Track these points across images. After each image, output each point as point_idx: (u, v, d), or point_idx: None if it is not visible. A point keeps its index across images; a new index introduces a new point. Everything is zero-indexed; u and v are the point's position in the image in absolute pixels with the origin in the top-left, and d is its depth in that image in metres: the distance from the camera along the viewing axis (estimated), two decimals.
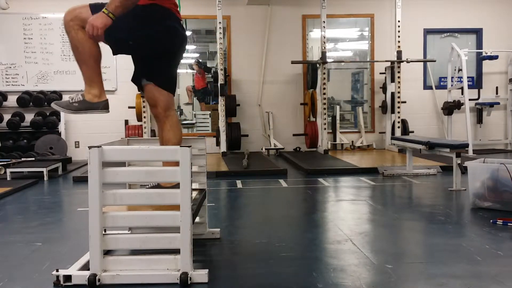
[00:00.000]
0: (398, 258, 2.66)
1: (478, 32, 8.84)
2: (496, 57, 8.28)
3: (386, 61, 8.23)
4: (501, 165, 3.67)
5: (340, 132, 8.59)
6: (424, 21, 8.70)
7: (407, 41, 8.21)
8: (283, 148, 8.19)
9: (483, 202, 3.76)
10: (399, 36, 7.91)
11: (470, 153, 6.80)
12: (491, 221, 3.33)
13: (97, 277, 2.20)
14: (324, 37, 7.80)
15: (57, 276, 2.25)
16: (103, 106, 2.58)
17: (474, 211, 3.74)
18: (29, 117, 7.79)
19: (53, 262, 2.60)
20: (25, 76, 8.05)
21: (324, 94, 7.85)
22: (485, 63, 8.68)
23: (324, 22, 7.74)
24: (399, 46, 7.91)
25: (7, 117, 7.72)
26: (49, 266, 2.54)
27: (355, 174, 5.82)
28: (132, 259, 2.38)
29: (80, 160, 7.61)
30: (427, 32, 8.78)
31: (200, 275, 2.26)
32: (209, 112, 10.38)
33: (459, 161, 4.57)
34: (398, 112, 7.92)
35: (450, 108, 7.97)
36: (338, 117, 8.56)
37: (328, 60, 8.09)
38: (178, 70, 13.11)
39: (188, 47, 13.72)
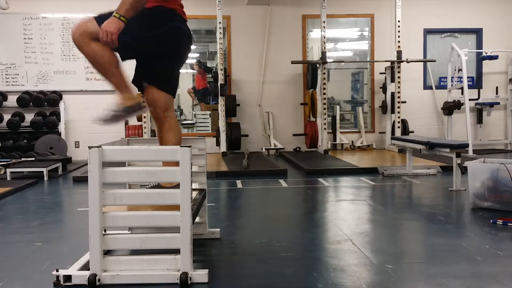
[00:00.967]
0: (398, 258, 2.66)
1: (478, 32, 8.84)
2: (496, 57, 8.28)
3: (386, 61, 8.23)
4: (501, 165, 3.67)
5: (340, 132, 8.59)
6: (424, 21, 8.70)
7: (407, 41, 8.22)
8: (283, 148, 8.20)
9: (483, 202, 3.76)
10: (399, 36, 7.91)
11: (470, 153, 6.80)
12: (491, 221, 3.33)
13: (97, 277, 2.20)
14: (324, 37, 7.80)
15: (57, 276, 2.25)
16: (139, 106, 2.59)
17: (474, 211, 3.74)
18: (29, 117, 7.79)
19: (53, 262, 2.60)
20: (25, 76, 8.04)
21: (324, 94, 7.85)
22: (485, 63, 8.68)
23: (324, 22, 7.74)
24: (399, 46, 7.91)
25: (7, 117, 7.72)
26: (49, 266, 2.54)
27: (355, 174, 5.82)
28: (132, 259, 2.38)
29: (80, 160, 7.61)
30: (427, 32, 8.78)
31: (200, 275, 2.26)
32: (209, 112, 10.38)
33: (459, 161, 4.57)
34: (398, 112, 7.92)
35: (450, 108, 7.98)
36: (338, 117, 8.56)
37: (328, 60, 8.09)
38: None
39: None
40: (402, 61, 7.89)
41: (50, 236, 3.25)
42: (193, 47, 13.35)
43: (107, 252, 2.46)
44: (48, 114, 7.86)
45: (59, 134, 7.70)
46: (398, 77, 7.93)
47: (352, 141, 8.59)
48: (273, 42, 8.50)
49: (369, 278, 2.33)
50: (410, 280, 2.33)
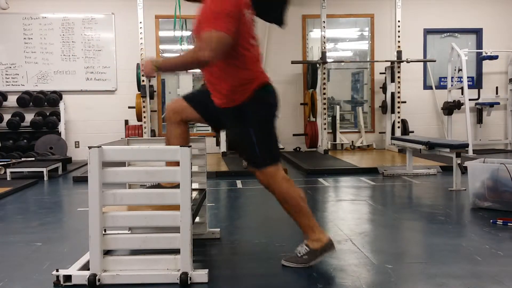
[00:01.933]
0: (398, 258, 2.66)
1: (478, 32, 8.84)
2: (496, 57, 8.27)
3: (386, 61, 8.23)
4: (501, 165, 3.67)
5: (340, 132, 8.59)
6: (424, 21, 8.70)
7: (407, 41, 8.22)
8: (283, 148, 8.19)
9: (483, 202, 3.76)
10: (399, 36, 7.91)
11: (470, 153, 6.80)
12: (491, 221, 3.33)
13: (97, 277, 2.20)
14: (324, 37, 7.80)
15: (57, 276, 2.25)
16: (330, 246, 2.49)
17: (474, 211, 3.74)
18: (29, 117, 7.80)
19: (53, 262, 2.60)
20: (25, 76, 8.05)
21: (324, 94, 7.85)
22: (485, 63, 8.68)
23: (324, 22, 7.74)
24: (399, 46, 7.91)
25: (7, 117, 7.72)
26: (49, 266, 2.54)
27: (355, 174, 5.82)
28: (132, 259, 2.38)
29: (80, 160, 7.61)
30: (427, 32, 8.78)
31: (200, 275, 2.26)
32: None
33: (459, 161, 4.57)
34: (398, 112, 7.92)
35: (450, 108, 7.98)
36: (338, 117, 8.56)
37: (328, 60, 8.09)
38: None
39: (188, 47, 13.74)
40: (402, 61, 7.89)
41: (50, 236, 3.25)
42: (193, 47, 13.38)
43: (107, 252, 2.47)
44: (48, 114, 7.86)
45: (59, 134, 7.70)
46: (398, 77, 7.93)
47: (352, 141, 8.59)
48: (273, 42, 8.50)
49: (369, 278, 2.33)
50: (410, 280, 2.33)
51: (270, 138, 2.49)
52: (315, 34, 8.86)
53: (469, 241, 2.96)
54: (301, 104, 8.54)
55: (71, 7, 8.00)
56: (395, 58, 7.97)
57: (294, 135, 8.43)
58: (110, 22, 8.07)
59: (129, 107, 7.82)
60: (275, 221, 3.66)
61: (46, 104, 7.82)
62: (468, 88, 7.48)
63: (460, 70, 7.77)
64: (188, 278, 2.21)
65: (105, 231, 2.42)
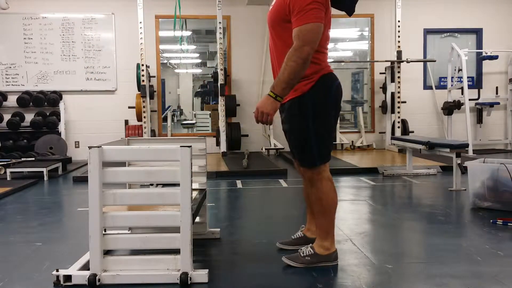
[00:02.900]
0: (398, 258, 2.66)
1: (478, 32, 8.84)
2: (496, 57, 8.28)
3: (386, 61, 8.23)
4: (501, 165, 3.68)
5: (340, 132, 8.59)
6: (424, 21, 8.70)
7: (407, 41, 8.21)
8: (283, 148, 8.18)
9: (483, 202, 3.76)
10: (399, 36, 7.91)
11: (470, 153, 6.80)
12: (491, 221, 3.33)
13: (97, 277, 2.20)
14: None
15: (57, 276, 2.26)
16: (334, 258, 2.50)
17: (474, 211, 3.74)
18: (29, 117, 7.79)
19: (53, 262, 2.60)
20: (25, 76, 8.04)
21: None
22: (485, 63, 8.68)
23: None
24: (399, 46, 7.91)
25: (7, 117, 7.71)
26: (49, 266, 2.54)
27: (355, 174, 5.82)
28: (132, 259, 2.38)
29: (80, 160, 7.61)
30: (427, 32, 8.78)
31: (200, 275, 2.26)
32: (209, 112, 10.37)
33: (459, 161, 4.57)
34: (398, 112, 7.92)
35: (450, 108, 7.98)
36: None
37: (328, 60, 8.08)
38: (177, 70, 13.16)
39: (188, 47, 13.67)
40: (402, 61, 7.89)
41: (50, 236, 3.25)
42: (193, 47, 13.39)
43: (107, 252, 2.47)
44: (48, 114, 7.86)
45: (59, 134, 7.70)
46: (398, 77, 7.93)
47: (352, 141, 8.58)
48: None
49: (369, 278, 2.33)
50: (410, 280, 2.33)
51: (326, 132, 2.42)
52: None
53: (469, 241, 2.96)
54: None
55: (71, 7, 7.99)
56: (395, 58, 7.97)
57: None
58: (110, 22, 8.07)
59: (129, 107, 7.82)
60: (275, 221, 3.66)
61: (46, 104, 7.82)
62: (468, 88, 7.47)
63: (460, 70, 7.77)
64: (188, 278, 2.21)
65: (105, 231, 2.42)
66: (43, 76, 8.06)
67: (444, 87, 8.59)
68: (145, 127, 7.55)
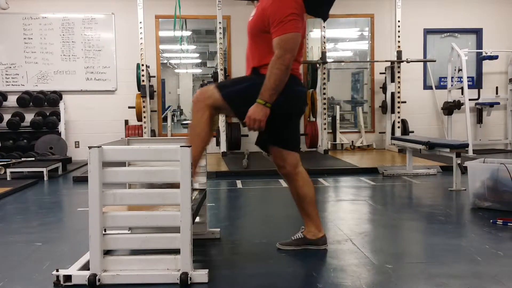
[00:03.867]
0: (398, 258, 2.66)
1: (478, 32, 8.84)
2: (496, 57, 8.28)
3: (386, 61, 8.24)
4: (501, 165, 3.67)
5: (340, 132, 8.59)
6: (424, 21, 8.70)
7: (407, 41, 8.21)
8: None
9: (483, 202, 3.76)
10: (399, 36, 7.91)
11: (470, 153, 6.79)
12: (491, 221, 3.33)
13: (97, 277, 2.20)
14: (324, 37, 7.80)
15: (57, 276, 2.25)
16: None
17: (474, 211, 3.74)
18: (29, 117, 7.79)
19: (53, 262, 2.60)
20: (25, 76, 8.05)
21: (324, 94, 7.85)
22: (485, 63, 8.68)
23: (324, 22, 7.74)
24: (399, 46, 7.91)
25: (7, 117, 7.71)
26: (49, 266, 2.54)
27: (355, 174, 5.82)
28: (132, 259, 2.38)
29: (80, 160, 7.61)
30: (427, 32, 8.78)
31: (200, 275, 2.25)
32: None
33: (459, 161, 4.57)
34: (398, 112, 7.92)
35: (450, 108, 7.98)
36: (338, 117, 8.56)
37: (328, 60, 8.09)
38: (177, 70, 13.17)
39: (188, 47, 13.68)
40: (402, 61, 7.89)
41: (50, 236, 3.25)
42: (193, 47, 13.39)
43: (107, 252, 2.46)
44: (48, 114, 7.86)
45: (59, 134, 7.70)
46: (398, 77, 7.94)
47: (352, 141, 8.59)
48: None
49: (369, 278, 2.33)
50: (410, 280, 2.33)
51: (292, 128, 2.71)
52: (315, 34, 8.87)
53: (469, 241, 2.96)
54: None
55: (71, 7, 8.00)
56: (395, 58, 7.97)
57: None
58: (110, 22, 8.07)
59: (129, 107, 7.82)
60: (275, 221, 3.66)
61: (46, 104, 7.82)
62: (468, 88, 7.47)
63: (460, 70, 7.77)
64: (188, 278, 2.21)
65: (105, 231, 2.42)
66: (43, 76, 8.07)
67: (444, 87, 8.59)
68: (145, 127, 7.55)
